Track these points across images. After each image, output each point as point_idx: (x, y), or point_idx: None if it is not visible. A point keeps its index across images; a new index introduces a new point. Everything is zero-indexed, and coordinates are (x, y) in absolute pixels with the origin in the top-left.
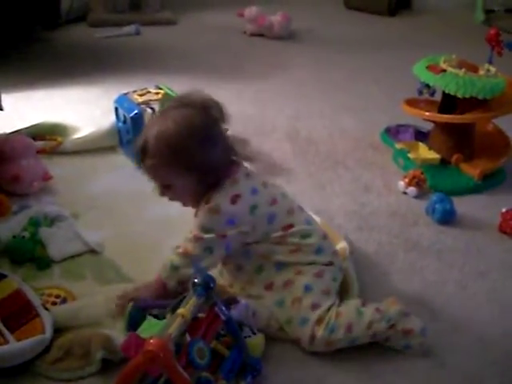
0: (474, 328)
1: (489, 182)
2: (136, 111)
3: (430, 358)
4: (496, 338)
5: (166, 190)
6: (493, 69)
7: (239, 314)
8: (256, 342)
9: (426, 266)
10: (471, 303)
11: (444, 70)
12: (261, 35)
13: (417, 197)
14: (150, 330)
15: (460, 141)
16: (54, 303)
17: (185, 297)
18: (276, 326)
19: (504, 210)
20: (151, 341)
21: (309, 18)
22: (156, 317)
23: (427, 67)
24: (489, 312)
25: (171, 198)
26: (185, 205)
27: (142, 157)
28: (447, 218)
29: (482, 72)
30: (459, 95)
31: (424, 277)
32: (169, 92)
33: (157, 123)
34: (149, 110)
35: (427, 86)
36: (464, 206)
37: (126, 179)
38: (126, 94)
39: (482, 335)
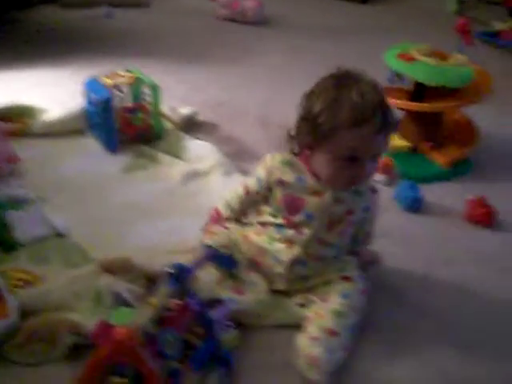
0: (440, 314)
1: (456, 170)
2: (105, 94)
3: (396, 344)
4: (461, 323)
5: (375, 162)
6: (463, 58)
7: (219, 316)
8: (230, 336)
9: (394, 253)
10: (437, 290)
11: (415, 59)
12: (234, 20)
13: (386, 184)
14: (122, 318)
15: (429, 129)
16: (20, 287)
17: (157, 287)
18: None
19: (470, 198)
20: (118, 330)
21: (282, 4)
22: (129, 305)
23: (398, 55)
24: (454, 298)
25: (369, 173)
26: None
27: (388, 132)
28: (415, 206)
29: (452, 61)
30: (430, 84)
31: (392, 263)
32: (139, 75)
33: (367, 99)
34: (119, 93)
35: (398, 74)
36: (432, 193)
37: (94, 163)
38: (95, 76)
39: (448, 321)
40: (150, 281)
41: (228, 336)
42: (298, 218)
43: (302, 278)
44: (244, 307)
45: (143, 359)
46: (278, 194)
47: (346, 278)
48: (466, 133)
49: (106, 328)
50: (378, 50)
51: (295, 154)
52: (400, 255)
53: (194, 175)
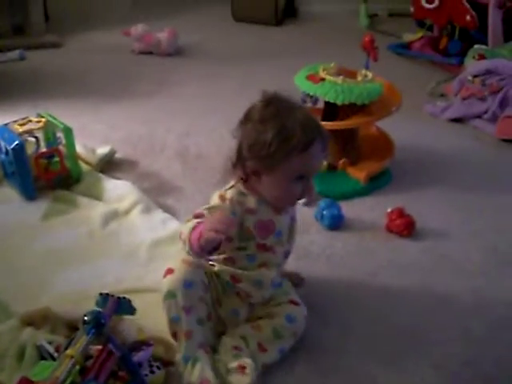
0: (366, 328)
1: (375, 184)
2: (17, 142)
3: (325, 366)
4: (387, 336)
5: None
6: (370, 74)
7: (144, 357)
8: (157, 377)
9: (316, 272)
10: (362, 305)
11: (323, 79)
12: (149, 53)
13: (306, 204)
14: (41, 373)
15: (345, 146)
16: None
17: (75, 336)
18: None
19: (389, 209)
20: None
21: (197, 33)
22: (53, 357)
23: (307, 77)
24: (379, 311)
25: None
26: None
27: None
28: (336, 223)
29: (359, 78)
30: (338, 102)
31: (315, 282)
32: (50, 119)
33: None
34: (31, 139)
35: (309, 94)
36: (352, 209)
37: (13, 212)
38: (6, 124)
39: (373, 334)
40: (74, 329)
41: (155, 377)
42: (270, 239)
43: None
44: None
45: None
46: (248, 223)
47: (294, 303)
48: (382, 146)
49: None
50: (293, 72)
51: (243, 181)
52: (324, 274)
53: (114, 215)
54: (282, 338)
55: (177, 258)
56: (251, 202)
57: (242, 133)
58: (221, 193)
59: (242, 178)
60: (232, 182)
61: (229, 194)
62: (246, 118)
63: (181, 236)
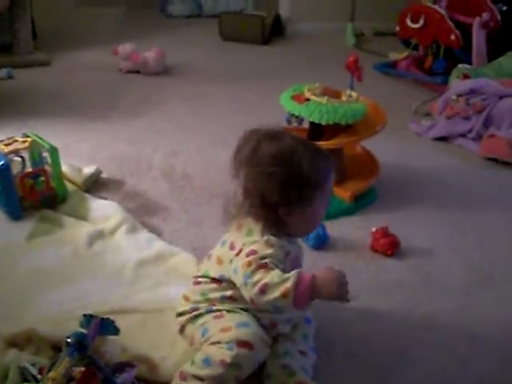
0: (348, 347)
1: (360, 203)
2: (2, 162)
3: None
4: (369, 354)
5: None
6: (354, 94)
7: (127, 379)
8: None
9: None
10: (346, 323)
11: (308, 99)
12: (137, 72)
13: None
14: None
15: None
16: None
17: (58, 358)
18: None
19: (374, 229)
20: None
21: (185, 52)
22: (36, 380)
23: (292, 97)
24: (363, 330)
25: None
26: None
27: None
28: (321, 243)
29: (344, 98)
30: (323, 123)
31: None
32: (37, 139)
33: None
34: (17, 159)
35: (294, 115)
36: (337, 229)
37: None
38: None
39: (356, 352)
40: (58, 350)
41: None
42: None
43: None
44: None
45: None
46: (286, 264)
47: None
48: (367, 165)
49: None
50: (279, 91)
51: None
52: None
53: (99, 236)
54: (308, 338)
55: (250, 330)
56: (285, 243)
57: (256, 179)
58: (266, 240)
59: (271, 223)
60: (257, 225)
61: (272, 240)
62: (254, 163)
63: (265, 289)
